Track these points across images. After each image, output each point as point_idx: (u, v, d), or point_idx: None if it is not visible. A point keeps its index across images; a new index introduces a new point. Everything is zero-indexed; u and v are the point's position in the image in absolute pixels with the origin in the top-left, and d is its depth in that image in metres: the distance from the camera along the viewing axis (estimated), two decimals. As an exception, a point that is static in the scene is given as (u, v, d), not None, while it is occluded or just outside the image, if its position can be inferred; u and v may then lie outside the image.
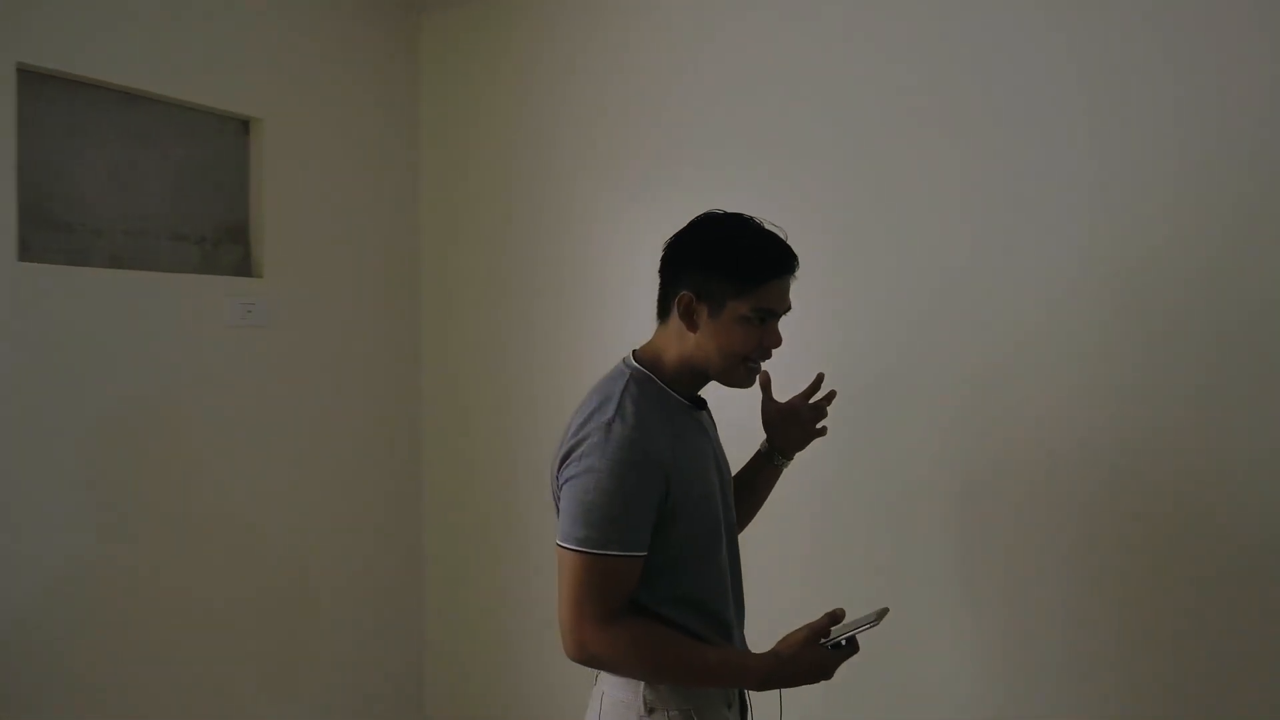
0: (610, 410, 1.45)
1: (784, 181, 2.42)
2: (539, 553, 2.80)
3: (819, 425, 1.80)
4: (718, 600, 1.53)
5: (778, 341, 1.54)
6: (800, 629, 1.48)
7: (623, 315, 2.68)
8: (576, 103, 2.84)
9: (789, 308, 1.55)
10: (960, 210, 2.19)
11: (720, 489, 1.58)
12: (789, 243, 1.52)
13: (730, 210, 1.55)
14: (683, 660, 1.44)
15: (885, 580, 2.26)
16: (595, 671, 1.54)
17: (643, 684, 1.48)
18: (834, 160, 2.35)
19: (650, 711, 1.47)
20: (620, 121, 2.75)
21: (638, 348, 1.59)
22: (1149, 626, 1.98)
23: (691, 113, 2.60)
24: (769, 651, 1.48)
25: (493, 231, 3.03)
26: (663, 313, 1.57)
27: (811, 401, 1.79)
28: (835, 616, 1.47)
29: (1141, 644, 1.99)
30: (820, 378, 1.78)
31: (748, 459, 1.83)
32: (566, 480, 1.44)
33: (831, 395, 1.79)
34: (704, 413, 1.64)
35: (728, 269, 1.48)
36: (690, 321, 1.51)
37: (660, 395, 1.52)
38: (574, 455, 1.44)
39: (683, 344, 1.53)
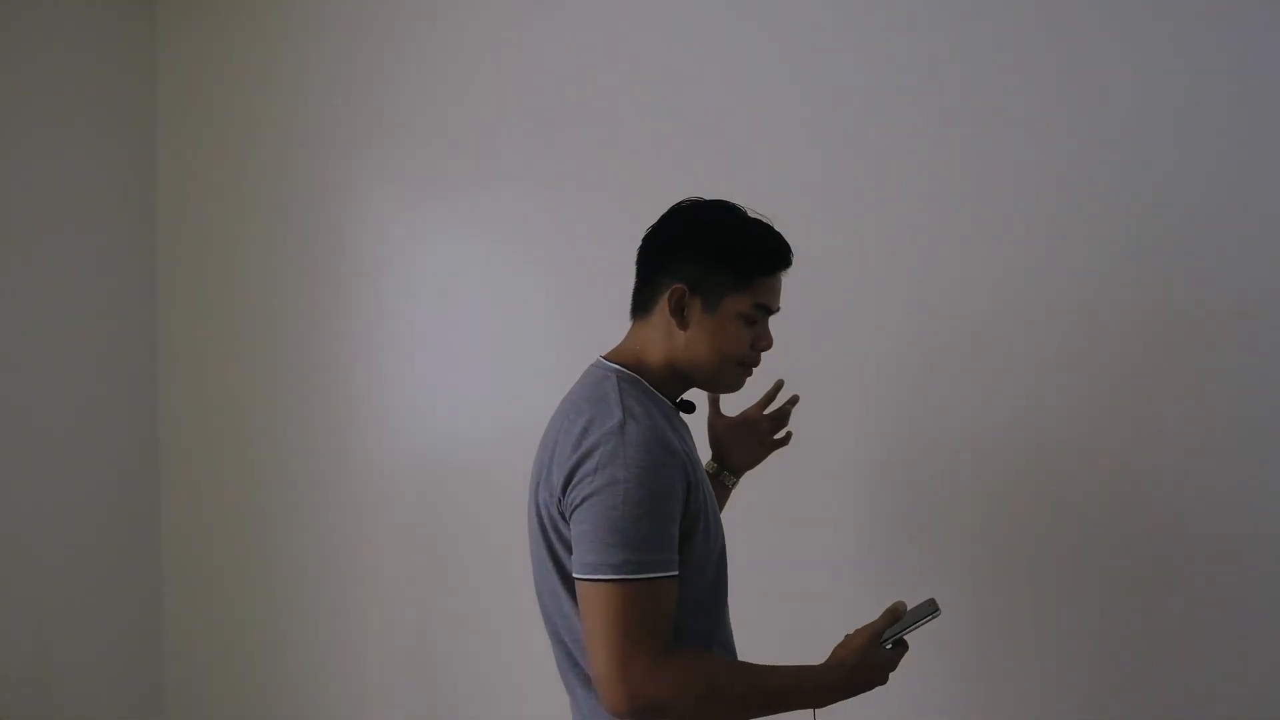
0: (615, 412, 1.30)
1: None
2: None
3: (779, 435, 1.72)
4: (727, 631, 1.44)
5: (770, 343, 1.45)
6: (859, 631, 1.33)
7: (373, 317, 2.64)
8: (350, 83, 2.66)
9: (779, 307, 1.45)
10: (918, 203, 2.01)
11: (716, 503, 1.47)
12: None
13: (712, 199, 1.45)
14: (751, 688, 1.29)
15: (821, 582, 2.10)
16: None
17: None
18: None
19: None
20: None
21: (605, 353, 1.45)
22: (1072, 626, 1.90)
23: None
24: (833, 661, 1.32)
25: (238, 229, 2.85)
26: (642, 309, 1.44)
27: (769, 411, 1.72)
28: (897, 612, 1.33)
29: (1063, 642, 1.91)
30: (779, 384, 1.71)
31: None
32: (584, 500, 1.26)
33: (794, 400, 1.73)
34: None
35: (728, 260, 1.39)
36: (681, 317, 1.39)
37: (651, 399, 1.38)
38: (583, 471, 1.27)
39: (670, 343, 1.41)
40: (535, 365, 2.38)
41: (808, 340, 1.96)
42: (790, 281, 1.45)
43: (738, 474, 1.70)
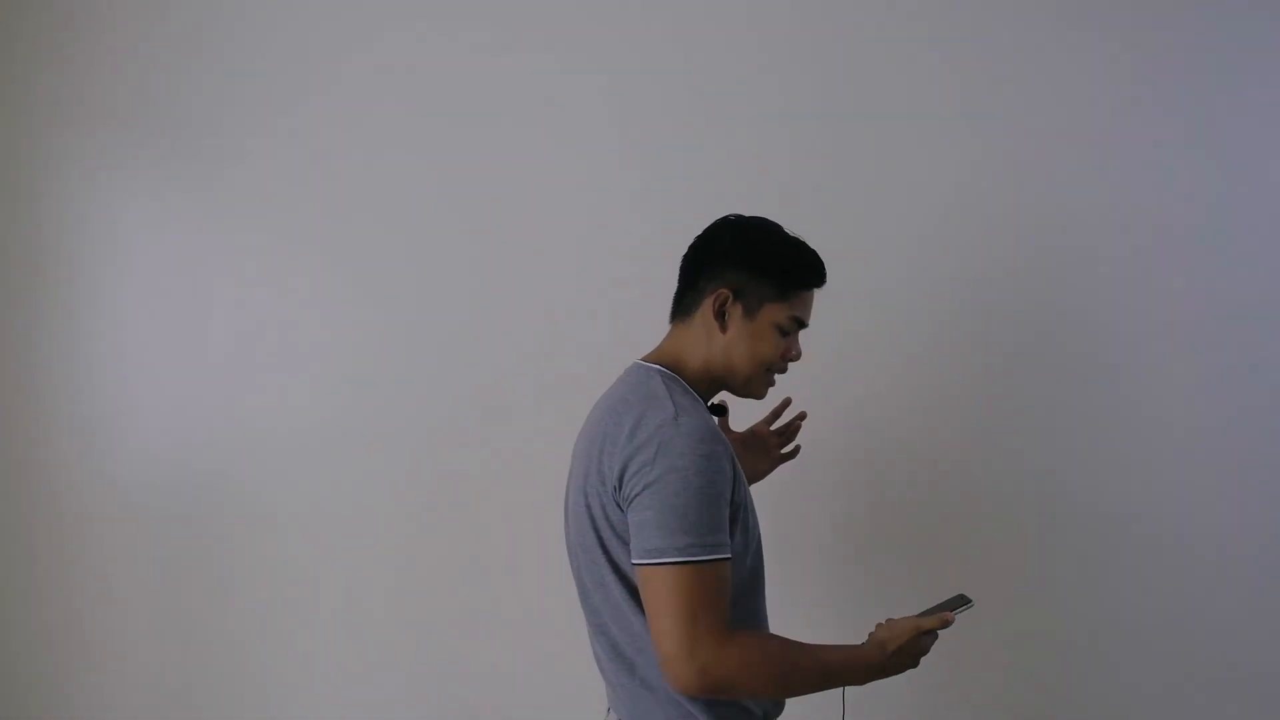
0: (668, 406, 1.35)
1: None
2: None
3: (786, 449, 1.81)
4: (763, 621, 1.48)
5: (799, 354, 1.52)
6: (904, 618, 1.42)
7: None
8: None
9: (809, 323, 1.52)
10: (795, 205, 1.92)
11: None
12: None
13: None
14: (806, 664, 1.36)
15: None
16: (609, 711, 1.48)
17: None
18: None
19: None
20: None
21: (642, 356, 1.51)
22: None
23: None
24: (875, 643, 1.41)
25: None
26: (684, 313, 1.51)
27: (776, 426, 1.81)
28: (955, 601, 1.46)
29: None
30: (787, 401, 1.80)
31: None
32: (644, 488, 1.30)
33: (802, 416, 1.81)
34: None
35: (772, 271, 1.46)
36: (723, 320, 1.46)
37: (691, 397, 1.44)
38: (640, 461, 1.31)
39: (710, 345, 1.47)
40: (276, 367, 2.32)
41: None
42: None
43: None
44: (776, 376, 1.52)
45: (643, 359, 1.49)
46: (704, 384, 1.47)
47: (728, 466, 1.32)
